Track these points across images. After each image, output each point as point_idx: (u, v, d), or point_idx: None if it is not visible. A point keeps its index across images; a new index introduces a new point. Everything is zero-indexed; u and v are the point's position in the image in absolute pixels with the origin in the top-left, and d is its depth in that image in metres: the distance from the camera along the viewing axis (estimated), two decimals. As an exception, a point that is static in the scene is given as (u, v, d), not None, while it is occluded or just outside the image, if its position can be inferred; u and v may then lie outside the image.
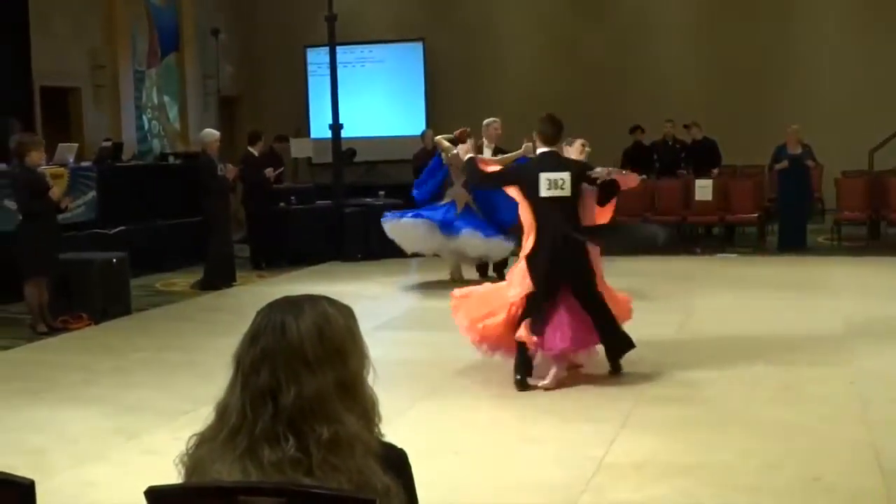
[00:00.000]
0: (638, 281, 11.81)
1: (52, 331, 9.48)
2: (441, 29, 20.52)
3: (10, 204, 10.54)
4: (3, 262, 9.97)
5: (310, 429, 2.00)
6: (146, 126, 18.06)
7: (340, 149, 15.67)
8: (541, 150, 7.30)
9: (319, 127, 18.83)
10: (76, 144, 13.77)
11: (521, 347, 6.96)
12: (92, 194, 12.81)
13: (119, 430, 6.27)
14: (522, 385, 6.92)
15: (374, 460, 2.04)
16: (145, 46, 18.06)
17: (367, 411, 2.11)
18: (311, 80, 21.18)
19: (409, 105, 20.94)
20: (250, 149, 14.02)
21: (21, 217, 9.61)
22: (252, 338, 2.08)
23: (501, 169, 8.15)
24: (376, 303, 10.68)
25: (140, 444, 5.98)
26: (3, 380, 7.74)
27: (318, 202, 15.25)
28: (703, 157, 15.98)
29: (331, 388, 2.05)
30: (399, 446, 2.15)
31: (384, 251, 14.31)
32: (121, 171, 14.19)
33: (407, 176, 15.79)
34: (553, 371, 6.95)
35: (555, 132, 7.24)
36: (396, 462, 2.12)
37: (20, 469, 2.16)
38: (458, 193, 11.58)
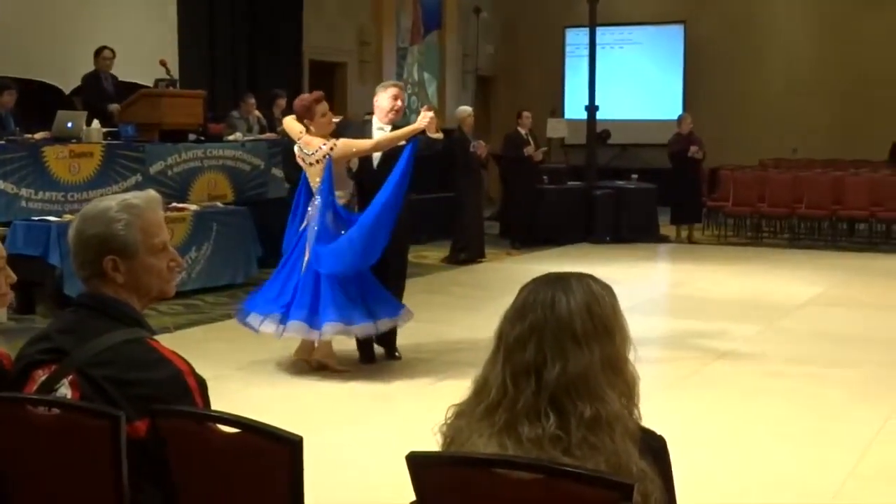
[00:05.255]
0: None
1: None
2: (704, 12, 20.04)
3: (279, 172, 11.11)
4: (268, 228, 10.49)
5: (572, 406, 1.99)
6: (406, 102, 18.53)
7: (595, 130, 15.61)
8: None
9: (574, 107, 18.83)
10: (341, 117, 14.29)
11: None
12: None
13: (376, 393, 6.50)
14: None
15: (631, 443, 2.02)
16: (409, 24, 18.54)
17: (628, 391, 2.08)
18: (568, 60, 21.19)
19: (665, 88, 20.62)
20: (518, 129, 14.10)
21: (290, 186, 10.08)
22: (519, 313, 2.07)
23: None
24: (622, 287, 10.47)
25: (395, 410, 6.17)
26: (266, 338, 8.14)
27: (570, 183, 15.25)
28: None
29: (597, 365, 2.03)
30: (659, 433, 2.13)
31: (634, 235, 14.24)
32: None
33: (661, 160, 15.57)
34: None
35: None
36: (656, 448, 2.09)
37: (280, 426, 2.25)
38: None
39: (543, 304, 2.05)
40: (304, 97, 6.98)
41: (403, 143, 6.87)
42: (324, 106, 6.82)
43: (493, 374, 2.08)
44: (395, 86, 7.30)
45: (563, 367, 2.01)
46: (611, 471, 1.95)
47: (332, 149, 6.63)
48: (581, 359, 2.02)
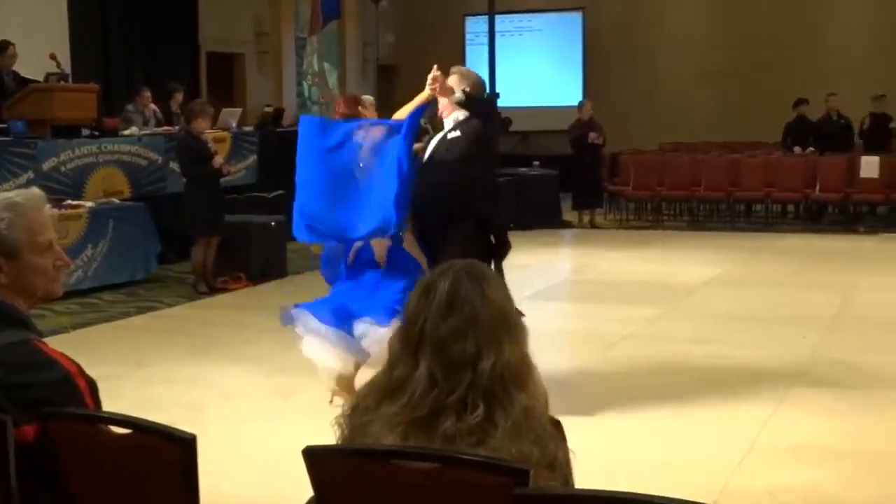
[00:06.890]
0: (797, 259, 11.52)
1: (212, 291, 9.77)
2: (601, -1, 20.27)
3: (176, 166, 10.92)
4: (168, 224, 10.34)
5: (506, 396, 1.99)
6: (306, 92, 18.42)
7: (497, 118, 15.66)
8: None
9: (475, 96, 18.84)
10: (239, 109, 14.14)
11: None
12: (253, 158, 13.11)
13: (276, 389, 6.42)
14: None
15: (553, 428, 2.05)
16: (308, 13, 18.39)
17: (538, 376, 2.12)
18: (468, 48, 21.21)
19: (566, 75, 20.79)
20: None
21: (185, 181, 9.92)
22: (448, 306, 2.04)
23: None
24: (527, 273, 10.62)
25: (296, 404, 6.11)
26: (166, 336, 8.03)
27: (472, 171, 15.25)
28: (877, 133, 15.29)
29: (525, 354, 2.06)
30: (556, 417, 2.14)
31: (537, 221, 14.34)
32: (281, 136, 14.45)
33: (562, 147, 15.69)
34: None
35: None
36: (561, 432, 2.12)
37: (179, 423, 2.22)
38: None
39: (473, 296, 2.04)
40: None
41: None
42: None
43: (414, 370, 2.04)
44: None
45: (498, 358, 2.01)
46: (540, 454, 1.96)
47: None
48: (515, 349, 2.04)
